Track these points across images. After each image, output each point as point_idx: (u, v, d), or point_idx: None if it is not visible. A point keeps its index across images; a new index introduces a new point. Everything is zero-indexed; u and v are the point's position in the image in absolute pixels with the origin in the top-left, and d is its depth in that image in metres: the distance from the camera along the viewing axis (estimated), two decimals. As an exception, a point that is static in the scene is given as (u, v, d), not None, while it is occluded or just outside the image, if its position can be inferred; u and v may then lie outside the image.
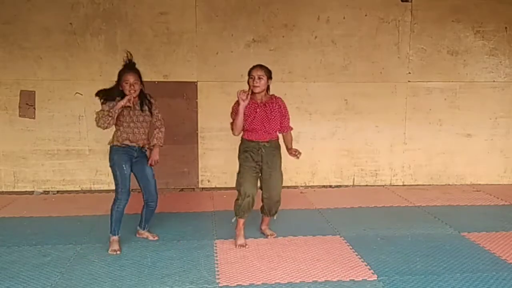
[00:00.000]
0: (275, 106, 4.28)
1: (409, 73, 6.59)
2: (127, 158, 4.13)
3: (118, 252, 4.12)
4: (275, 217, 4.52)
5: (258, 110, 4.23)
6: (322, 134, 6.59)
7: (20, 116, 6.18)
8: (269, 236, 4.55)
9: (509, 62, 6.67)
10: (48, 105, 6.19)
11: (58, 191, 6.35)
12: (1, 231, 4.80)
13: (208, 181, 6.55)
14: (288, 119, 4.38)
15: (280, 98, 4.36)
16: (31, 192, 6.31)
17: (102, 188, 6.28)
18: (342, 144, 6.64)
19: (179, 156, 6.44)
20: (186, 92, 6.34)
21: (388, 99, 6.61)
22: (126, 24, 6.13)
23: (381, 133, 6.67)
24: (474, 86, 6.68)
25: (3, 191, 6.27)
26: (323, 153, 6.61)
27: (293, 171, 6.33)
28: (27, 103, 6.16)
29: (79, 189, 6.38)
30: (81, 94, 6.16)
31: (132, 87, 4.03)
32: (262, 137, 4.24)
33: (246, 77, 6.27)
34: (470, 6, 6.51)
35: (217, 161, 6.48)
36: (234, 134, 4.30)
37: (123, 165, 4.10)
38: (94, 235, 4.57)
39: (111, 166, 4.14)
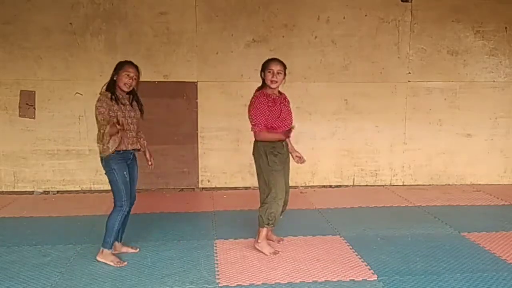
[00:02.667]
0: (287, 102, 4.19)
1: (409, 73, 6.59)
2: (125, 164, 3.91)
3: (125, 263, 3.93)
4: (281, 216, 4.33)
5: (282, 107, 4.05)
6: (322, 134, 6.59)
7: (20, 116, 6.18)
8: (280, 242, 4.40)
9: (509, 62, 6.67)
10: (48, 105, 6.19)
11: (58, 191, 6.35)
12: (1, 231, 4.80)
13: (208, 181, 6.55)
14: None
15: (285, 94, 4.26)
16: (31, 192, 6.31)
17: (102, 188, 6.28)
18: (342, 144, 6.64)
19: (179, 156, 6.44)
20: (186, 92, 6.34)
21: (388, 99, 6.61)
22: (126, 24, 6.13)
23: (381, 133, 6.67)
24: (474, 86, 6.68)
25: (3, 191, 6.27)
26: (323, 153, 6.61)
27: (293, 171, 6.24)
28: (27, 103, 6.16)
29: (79, 189, 6.38)
30: (81, 94, 6.16)
31: (130, 80, 3.89)
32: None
33: (246, 77, 6.30)
34: (470, 6, 6.51)
35: (217, 161, 6.49)
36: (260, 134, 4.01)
37: (124, 173, 3.88)
38: (94, 235, 4.56)
39: (111, 174, 3.86)
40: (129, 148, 3.91)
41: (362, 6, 6.40)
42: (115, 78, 3.89)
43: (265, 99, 3.99)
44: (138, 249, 4.19)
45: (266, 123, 3.97)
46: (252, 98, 4.08)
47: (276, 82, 3.99)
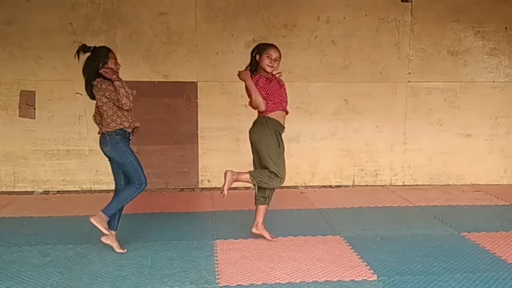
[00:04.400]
0: (282, 82, 4.25)
1: (409, 73, 6.59)
2: (129, 145, 4.05)
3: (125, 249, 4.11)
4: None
5: (279, 85, 4.16)
6: (322, 134, 6.59)
7: (20, 116, 6.18)
8: (273, 239, 4.43)
9: (509, 62, 6.67)
10: (48, 105, 6.19)
11: (58, 191, 6.35)
12: (1, 231, 4.80)
13: (208, 181, 6.55)
14: None
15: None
16: (31, 192, 6.31)
17: (102, 188, 6.28)
18: (342, 144, 6.64)
19: (179, 156, 6.44)
20: (186, 92, 6.34)
21: (388, 99, 6.61)
22: (126, 24, 6.13)
23: (381, 133, 6.67)
24: (474, 86, 6.68)
25: (3, 191, 6.27)
26: (323, 153, 6.61)
27: (293, 171, 6.33)
28: (27, 103, 6.16)
29: (79, 189, 6.38)
30: (81, 94, 6.10)
31: (118, 65, 4.02)
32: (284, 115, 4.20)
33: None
34: (470, 6, 6.51)
35: (217, 161, 6.48)
36: (261, 109, 4.11)
37: (131, 150, 4.01)
38: (94, 235, 4.55)
39: (124, 157, 3.95)
40: (133, 125, 4.05)
41: (362, 6, 6.40)
42: (102, 67, 3.93)
43: (264, 79, 4.09)
44: (126, 250, 4.17)
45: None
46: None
47: (272, 67, 4.09)
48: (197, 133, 6.43)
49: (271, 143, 4.13)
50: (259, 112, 4.20)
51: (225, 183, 4.16)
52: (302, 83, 6.45)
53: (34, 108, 6.18)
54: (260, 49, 4.14)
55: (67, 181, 6.35)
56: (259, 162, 4.26)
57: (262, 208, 4.37)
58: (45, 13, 6.01)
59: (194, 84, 6.34)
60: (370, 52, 6.49)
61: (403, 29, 6.49)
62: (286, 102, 4.25)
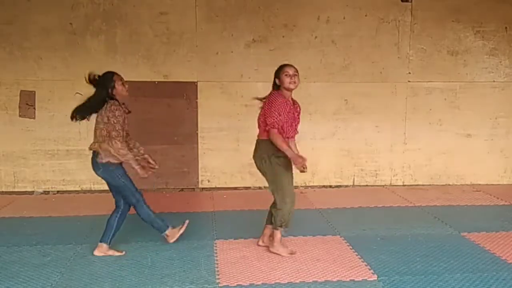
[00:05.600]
0: (299, 110, 4.18)
1: (409, 73, 6.59)
2: (121, 165, 4.05)
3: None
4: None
5: (294, 112, 4.07)
6: (322, 134, 6.59)
7: (20, 116, 6.18)
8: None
9: (509, 62, 6.67)
10: (48, 105, 6.19)
11: (58, 191, 6.35)
12: (1, 231, 4.80)
13: (208, 181, 6.55)
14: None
15: (298, 103, 4.23)
16: (31, 192, 6.31)
17: (102, 188, 6.23)
18: (342, 144, 6.64)
19: (179, 156, 6.44)
20: (186, 92, 6.34)
21: (388, 99, 6.61)
22: (126, 24, 6.14)
23: (381, 133, 6.66)
24: (474, 86, 6.68)
25: (3, 191, 6.27)
26: (323, 153, 6.61)
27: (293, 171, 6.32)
28: (27, 103, 6.16)
29: (79, 189, 6.38)
30: (81, 94, 6.07)
31: (126, 86, 3.99)
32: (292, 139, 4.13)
33: (246, 77, 6.32)
34: (470, 6, 6.51)
35: (217, 161, 6.49)
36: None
37: (126, 173, 4.05)
38: (94, 235, 4.55)
39: (118, 181, 4.01)
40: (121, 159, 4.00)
41: (362, 6, 6.40)
42: (112, 91, 3.91)
43: (283, 100, 3.98)
44: (123, 252, 4.15)
45: (282, 123, 3.94)
46: (270, 96, 4.03)
47: (295, 82, 4.01)
48: (197, 133, 6.43)
49: (267, 166, 4.04)
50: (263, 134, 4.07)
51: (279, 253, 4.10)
52: (302, 83, 6.29)
53: (34, 108, 6.18)
54: (277, 72, 4.07)
55: (67, 181, 6.35)
56: (272, 185, 4.14)
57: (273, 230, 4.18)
58: (45, 13, 6.01)
59: (194, 84, 6.34)
60: (370, 52, 6.49)
61: (403, 29, 6.49)
62: (295, 129, 4.14)
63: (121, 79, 3.96)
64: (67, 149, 6.28)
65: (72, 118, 3.95)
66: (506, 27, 6.59)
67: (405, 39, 6.51)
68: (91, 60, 6.12)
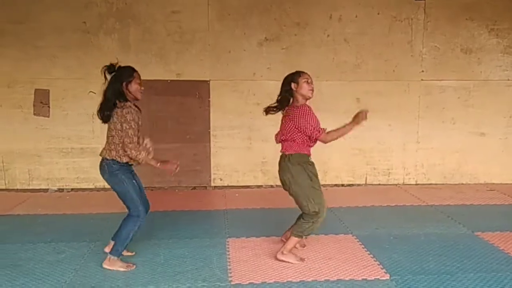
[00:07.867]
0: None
1: (422, 71, 6.55)
2: (130, 173, 3.80)
3: (134, 266, 3.84)
4: None
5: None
6: (334, 132, 6.55)
7: (34, 114, 6.25)
8: (304, 247, 4.27)
9: (524, 60, 6.60)
10: (62, 104, 6.25)
11: (72, 189, 6.41)
12: (16, 228, 4.86)
13: (221, 179, 6.57)
14: None
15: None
16: (46, 190, 6.37)
17: (115, 186, 6.32)
18: (354, 143, 6.61)
19: (192, 155, 6.47)
20: (198, 90, 6.36)
21: (401, 98, 6.57)
22: (139, 23, 6.17)
23: (393, 131, 6.64)
24: (488, 85, 6.62)
25: (18, 189, 6.34)
26: (335, 152, 6.57)
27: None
28: (42, 102, 6.23)
29: (93, 187, 6.43)
30: (95, 93, 6.19)
31: (142, 87, 3.76)
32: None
33: (258, 76, 6.31)
34: (484, 4, 6.45)
35: (230, 160, 6.50)
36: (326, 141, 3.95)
37: (134, 181, 3.77)
38: (108, 232, 4.58)
39: (120, 185, 3.71)
40: (134, 160, 3.76)
41: (375, 4, 6.37)
42: (124, 89, 3.69)
43: (312, 110, 3.89)
44: (134, 253, 4.10)
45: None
46: (301, 110, 3.85)
47: (313, 91, 3.90)
48: (209, 132, 6.45)
49: (302, 178, 3.84)
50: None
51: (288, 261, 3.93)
52: (314, 81, 6.34)
53: (49, 107, 6.25)
54: (295, 77, 3.89)
55: (81, 178, 6.41)
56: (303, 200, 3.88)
57: (295, 240, 3.98)
58: (59, 12, 6.07)
59: (206, 83, 6.37)
60: (383, 50, 6.46)
61: (416, 27, 6.45)
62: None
63: (140, 79, 3.75)
64: (81, 147, 6.33)
65: (101, 119, 3.81)
66: (520, 25, 6.53)
67: (418, 37, 6.47)
68: (104, 58, 6.11)
